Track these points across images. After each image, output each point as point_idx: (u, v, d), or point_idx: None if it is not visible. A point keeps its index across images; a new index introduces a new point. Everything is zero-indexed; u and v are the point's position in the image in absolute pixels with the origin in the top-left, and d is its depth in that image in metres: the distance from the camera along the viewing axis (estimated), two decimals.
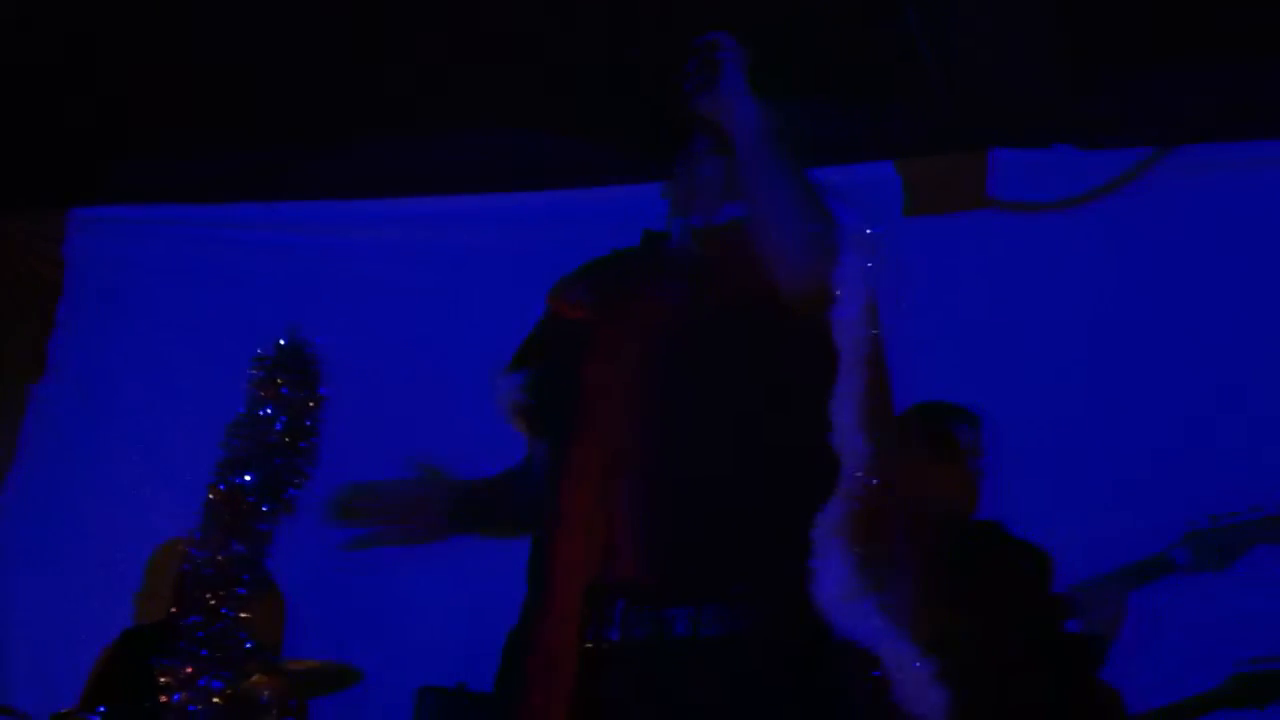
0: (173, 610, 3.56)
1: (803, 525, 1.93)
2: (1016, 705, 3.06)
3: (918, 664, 1.91)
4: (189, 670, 3.48)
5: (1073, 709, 3.18)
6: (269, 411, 3.51)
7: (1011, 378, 3.97)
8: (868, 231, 2.05)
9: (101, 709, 3.68)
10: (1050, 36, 3.59)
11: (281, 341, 3.62)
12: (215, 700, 3.50)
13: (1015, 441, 3.86)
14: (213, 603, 3.50)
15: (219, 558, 3.46)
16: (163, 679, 3.50)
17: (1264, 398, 3.79)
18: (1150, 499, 3.68)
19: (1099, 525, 3.62)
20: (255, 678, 3.59)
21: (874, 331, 1.98)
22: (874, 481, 1.92)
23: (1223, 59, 3.67)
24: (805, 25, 3.59)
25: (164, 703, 3.49)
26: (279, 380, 3.54)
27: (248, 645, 3.59)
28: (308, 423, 3.55)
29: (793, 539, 1.92)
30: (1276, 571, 3.38)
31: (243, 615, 3.56)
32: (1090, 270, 4.04)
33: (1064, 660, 3.16)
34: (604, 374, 2.04)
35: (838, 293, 1.98)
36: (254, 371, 3.55)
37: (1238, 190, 3.93)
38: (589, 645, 1.94)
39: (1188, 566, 3.24)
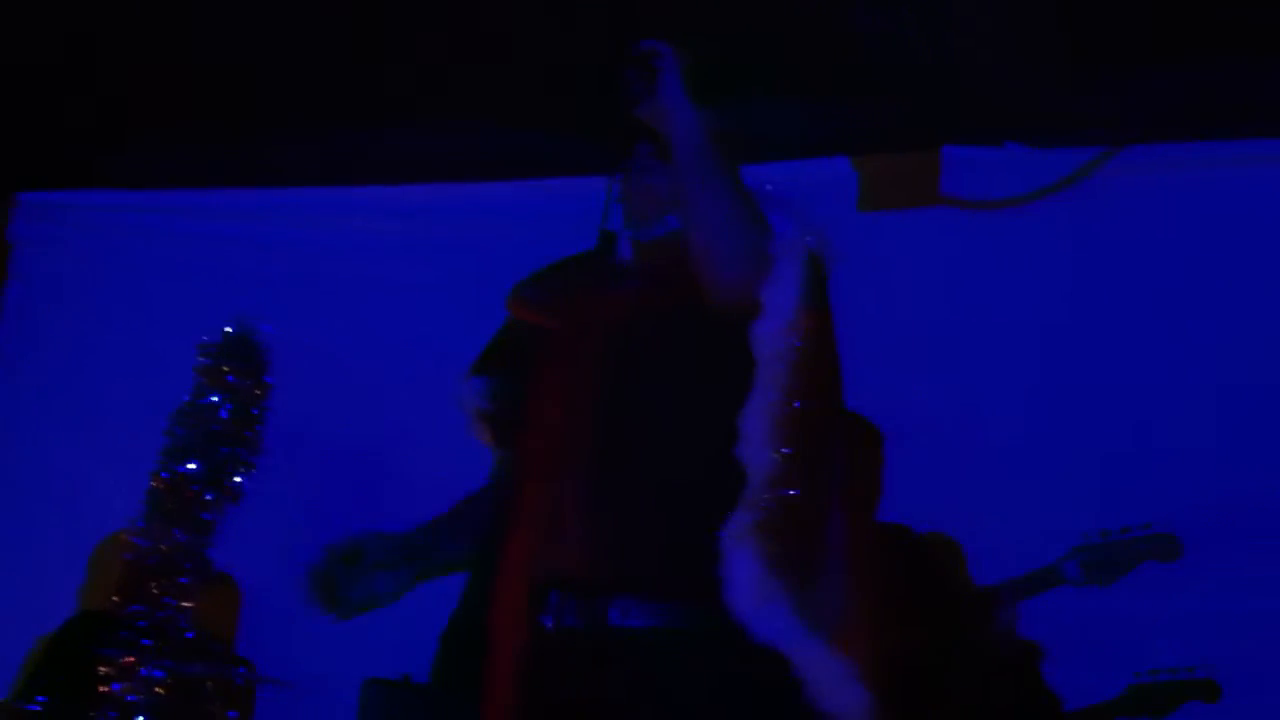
0: (115, 599, 3.53)
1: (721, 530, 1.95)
2: (960, 702, 3.08)
3: (834, 664, 1.93)
4: (130, 660, 3.45)
5: (1015, 707, 3.20)
6: (215, 399, 3.49)
7: (958, 381, 3.99)
8: (806, 240, 2.05)
9: (41, 699, 3.64)
10: (1005, 35, 3.60)
11: (228, 329, 3.60)
12: (157, 690, 3.47)
13: (957, 435, 3.90)
14: (155, 592, 3.47)
15: (162, 547, 3.43)
16: (103, 668, 3.47)
17: (1204, 393, 3.82)
18: (1044, 508, 3.71)
19: (993, 533, 3.64)
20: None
21: (803, 344, 1.98)
22: (786, 493, 1.93)
23: (1174, 61, 3.70)
24: (763, 22, 3.59)
25: (104, 692, 3.45)
26: (225, 368, 3.52)
27: (189, 635, 3.56)
28: (254, 411, 3.53)
29: (715, 539, 1.94)
30: (1173, 583, 3.42)
31: (187, 605, 3.53)
32: (1036, 268, 4.06)
33: (1002, 657, 3.19)
34: (553, 375, 2.07)
35: (764, 304, 1.97)
36: (200, 359, 3.52)
37: (1186, 191, 3.96)
38: (531, 632, 1.96)
39: (1077, 580, 3.29)
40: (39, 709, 3.58)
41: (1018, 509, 3.78)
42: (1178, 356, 3.90)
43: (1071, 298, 4.03)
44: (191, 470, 3.46)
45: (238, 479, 3.53)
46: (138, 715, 3.40)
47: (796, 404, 1.96)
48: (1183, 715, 3.42)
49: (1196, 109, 3.83)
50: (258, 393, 3.55)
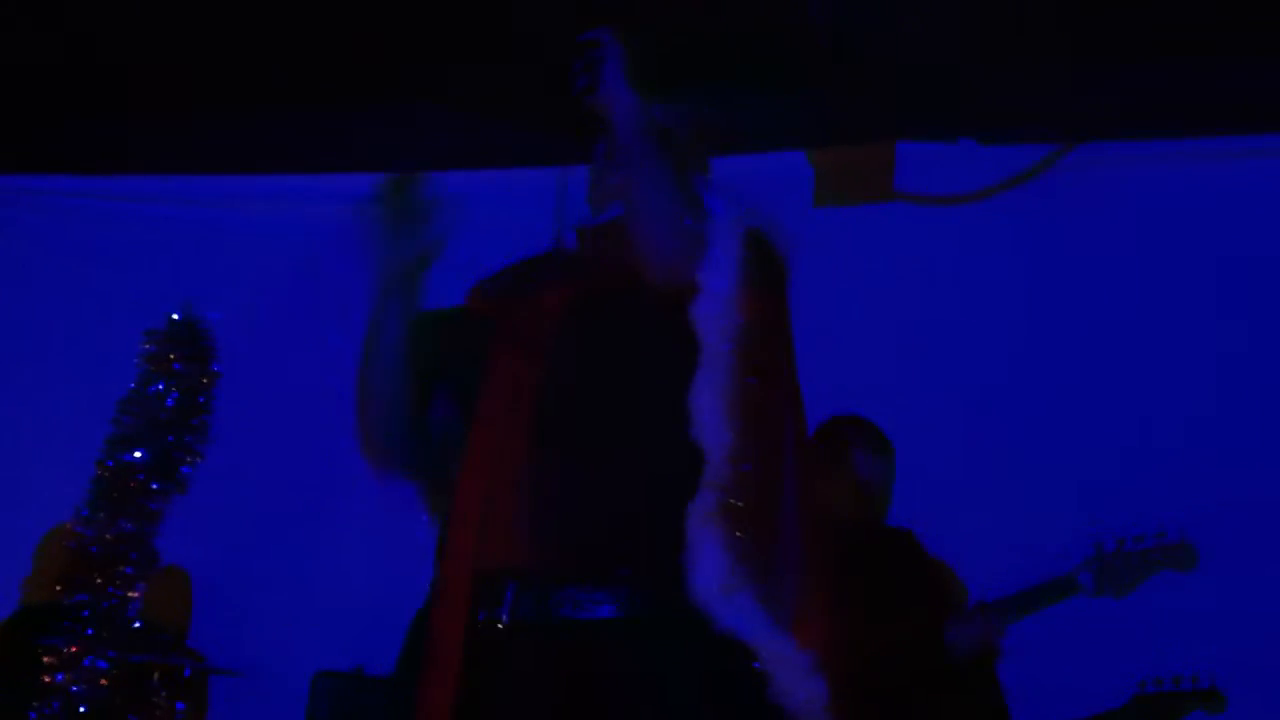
0: (59, 589, 3.49)
1: (679, 515, 1.94)
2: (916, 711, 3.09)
3: (795, 656, 1.93)
4: (74, 650, 3.42)
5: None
6: (160, 388, 3.45)
7: (914, 367, 4.01)
8: (745, 222, 2.05)
9: None
10: (957, 29, 3.62)
11: (174, 316, 3.56)
12: (101, 681, 3.44)
13: (917, 431, 3.91)
14: (100, 582, 3.43)
15: (107, 536, 3.39)
16: (47, 659, 3.43)
17: (1157, 387, 3.85)
18: (1057, 517, 3.69)
19: (1005, 542, 3.64)
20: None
21: (747, 323, 1.98)
22: (744, 469, 1.93)
23: (1126, 59, 3.72)
24: (717, 13, 3.59)
25: (48, 683, 3.41)
26: (171, 356, 3.48)
27: (137, 625, 3.52)
28: (200, 399, 3.49)
29: (672, 528, 1.94)
30: (1177, 595, 3.40)
31: (133, 595, 3.49)
32: (991, 262, 4.08)
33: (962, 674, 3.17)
34: (498, 367, 2.06)
35: (701, 285, 1.99)
36: (146, 347, 3.49)
37: (1139, 187, 3.99)
38: (480, 625, 1.95)
39: (1090, 591, 3.22)
40: None
41: (964, 500, 3.80)
42: (1131, 352, 3.93)
43: (1026, 293, 4.05)
44: (137, 459, 3.42)
45: (184, 468, 3.49)
46: (81, 706, 3.36)
47: (747, 381, 1.96)
48: None
49: (1148, 106, 3.86)
50: (204, 380, 3.51)
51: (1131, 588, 3.21)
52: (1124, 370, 3.92)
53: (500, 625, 1.94)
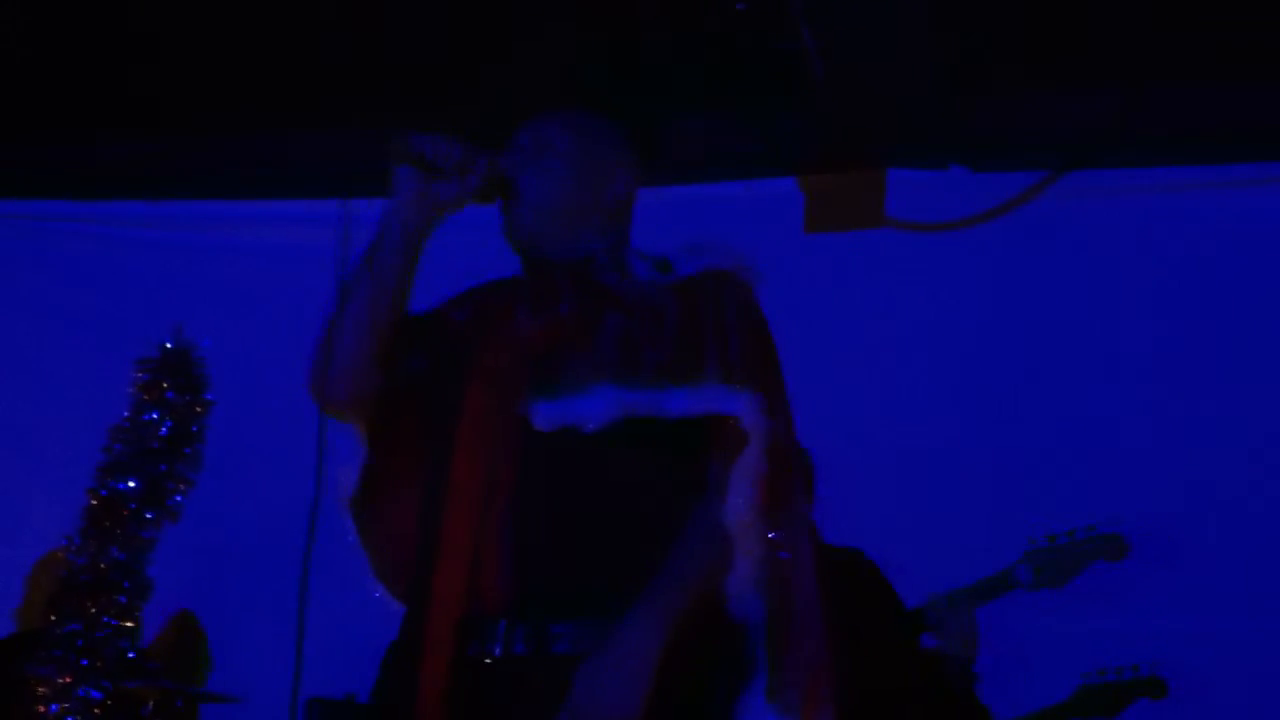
0: (51, 618, 3.48)
1: (667, 551, 1.95)
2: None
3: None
4: (67, 680, 3.41)
5: None
6: (153, 416, 3.45)
7: (904, 393, 4.02)
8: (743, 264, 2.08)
9: None
10: (942, 56, 3.64)
11: (167, 344, 3.56)
12: (95, 711, 3.43)
13: (904, 455, 3.92)
14: (93, 610, 3.42)
15: (99, 565, 3.39)
16: (40, 689, 3.41)
17: (1144, 408, 3.88)
18: (990, 517, 3.76)
19: (923, 543, 3.69)
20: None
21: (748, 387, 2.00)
22: (783, 556, 1.97)
23: (1116, 86, 3.75)
24: (705, 40, 3.61)
25: (41, 713, 3.40)
26: (164, 384, 3.48)
27: (130, 655, 3.52)
28: (193, 428, 3.50)
29: (660, 564, 1.94)
30: (1118, 585, 3.49)
31: (127, 624, 3.49)
32: (981, 289, 4.10)
33: (933, 678, 3.21)
34: (474, 405, 2.04)
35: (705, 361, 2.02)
36: (138, 375, 3.49)
37: (1127, 215, 4.02)
38: (470, 660, 1.94)
39: (1029, 584, 3.38)
40: None
41: (962, 525, 3.82)
42: (1118, 377, 3.95)
43: (1016, 320, 4.07)
44: (130, 487, 3.42)
45: (176, 496, 3.49)
46: None
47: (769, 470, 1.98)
48: (1132, 714, 3.48)
49: (1139, 134, 3.89)
50: (197, 409, 3.52)
51: (1068, 578, 3.35)
52: (1111, 392, 3.94)
53: (489, 661, 1.94)
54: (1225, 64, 3.63)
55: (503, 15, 3.70)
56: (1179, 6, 3.53)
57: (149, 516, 3.45)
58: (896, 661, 3.14)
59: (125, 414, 3.49)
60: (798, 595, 1.99)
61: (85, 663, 3.41)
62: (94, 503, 3.44)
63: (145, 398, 3.47)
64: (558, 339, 2.06)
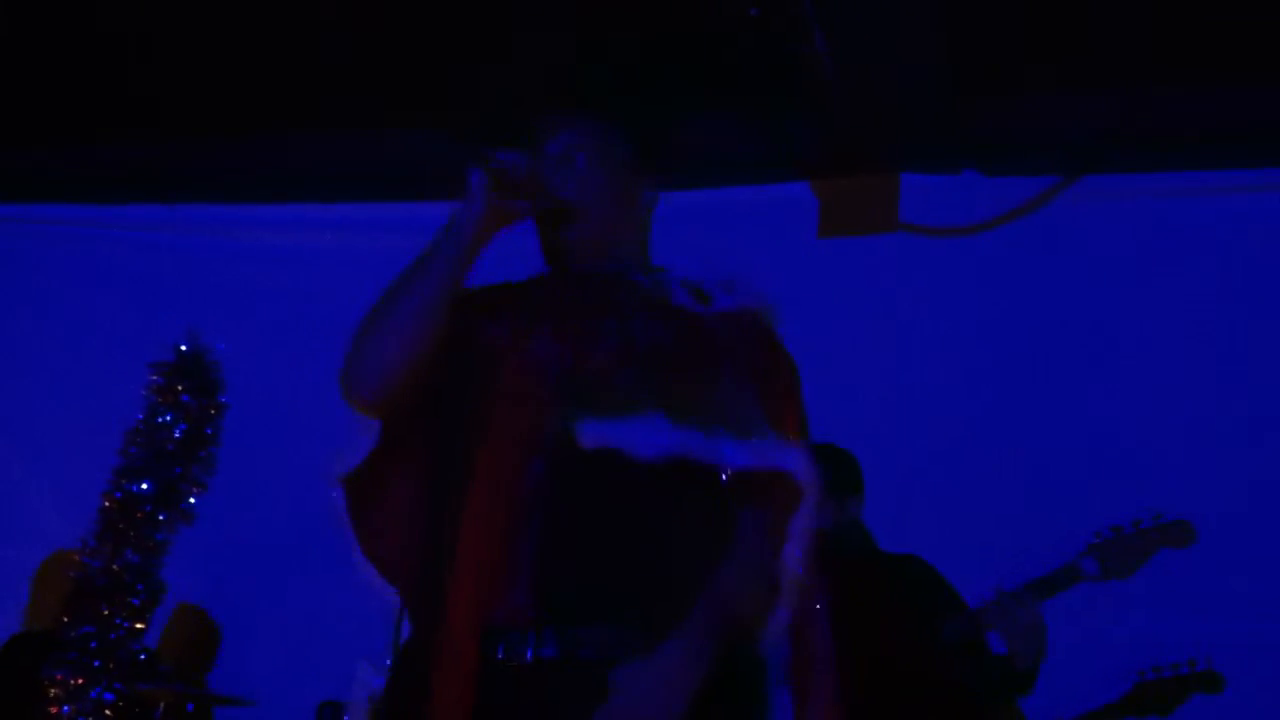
0: (64, 620, 3.49)
1: (696, 557, 1.96)
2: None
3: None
4: (80, 681, 3.41)
5: None
6: (168, 419, 3.46)
7: (920, 397, 4.02)
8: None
9: None
10: (954, 61, 3.64)
11: (182, 347, 3.57)
12: (107, 713, 3.43)
13: (924, 460, 3.92)
14: (106, 613, 3.43)
15: (113, 567, 3.39)
16: (52, 691, 3.42)
17: (1158, 410, 3.87)
18: (1054, 512, 3.75)
19: (1005, 540, 3.67)
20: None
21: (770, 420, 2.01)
22: (817, 607, 2.01)
23: (1129, 91, 3.76)
24: (719, 45, 3.61)
25: (53, 714, 3.41)
26: (179, 387, 3.49)
27: (142, 657, 3.52)
28: (208, 430, 3.50)
29: (689, 570, 1.95)
30: (1172, 584, 3.47)
31: (140, 626, 3.49)
32: (994, 293, 4.10)
33: (991, 683, 3.19)
34: (499, 418, 2.03)
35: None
36: (153, 378, 3.49)
37: (1140, 219, 4.02)
38: (500, 664, 1.94)
39: (1096, 575, 3.31)
40: None
41: (981, 527, 3.82)
42: (1133, 379, 3.94)
43: (1029, 323, 4.07)
44: (144, 490, 3.43)
45: (190, 499, 3.50)
46: None
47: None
48: (1186, 712, 3.46)
49: (1151, 139, 3.89)
50: (211, 412, 3.52)
51: (1135, 568, 3.29)
52: (1128, 396, 3.93)
53: (519, 665, 1.93)
54: (1236, 68, 3.63)
55: (504, 16, 3.70)
56: (1189, 11, 3.53)
57: (163, 519, 3.45)
58: (959, 661, 3.13)
59: (140, 417, 3.49)
60: (821, 642, 2.02)
61: (98, 664, 3.42)
62: (108, 505, 3.44)
63: (160, 401, 3.48)
64: (597, 358, 2.05)
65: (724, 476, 1.99)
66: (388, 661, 2.09)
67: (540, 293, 2.18)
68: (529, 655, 1.93)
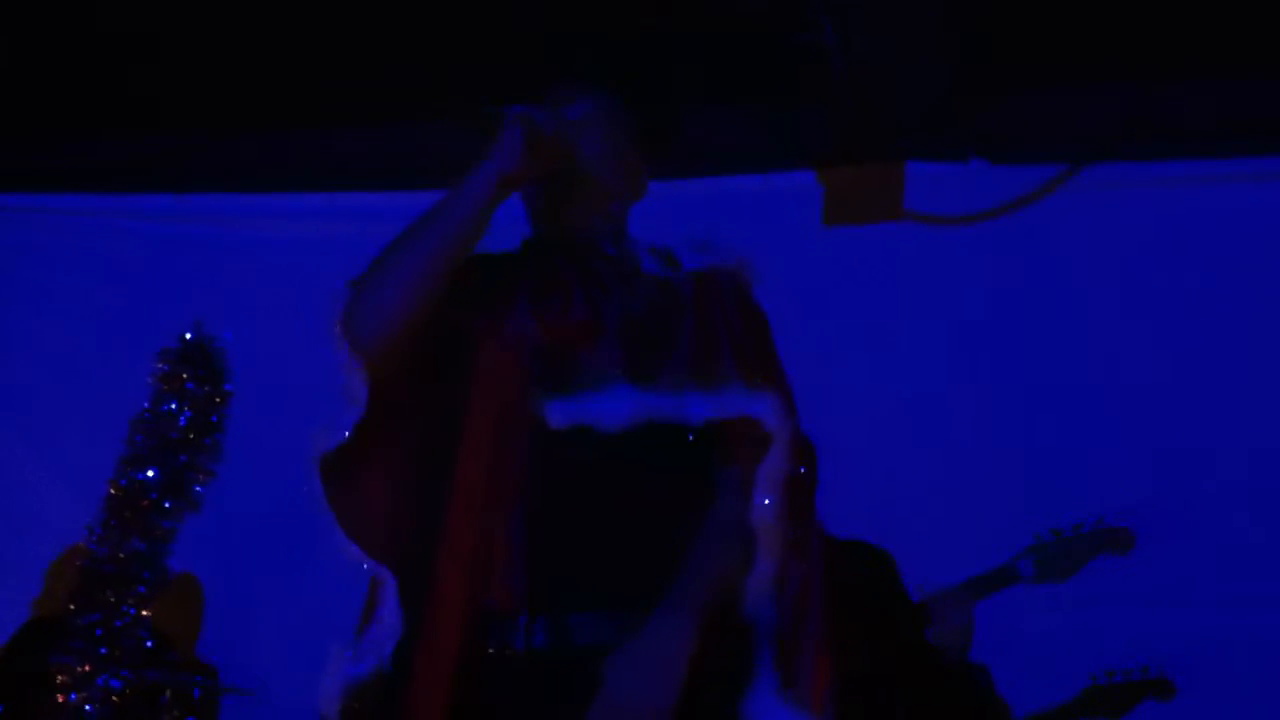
0: (71, 608, 3.50)
1: (686, 540, 1.95)
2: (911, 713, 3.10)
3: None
4: (87, 669, 3.42)
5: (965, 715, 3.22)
6: (173, 407, 3.46)
7: (925, 386, 4.02)
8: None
9: None
10: (961, 49, 3.64)
11: (187, 335, 3.58)
12: (114, 699, 3.44)
13: (927, 449, 3.92)
14: (113, 600, 3.44)
15: (119, 555, 3.41)
16: (60, 678, 3.43)
17: (1165, 398, 3.87)
18: (1061, 501, 3.74)
19: (944, 537, 3.68)
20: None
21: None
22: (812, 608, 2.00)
23: (1135, 80, 3.75)
24: (725, 33, 3.61)
25: (60, 702, 3.42)
26: (184, 375, 3.50)
27: (149, 643, 3.53)
28: (213, 419, 3.51)
29: (679, 554, 1.94)
30: (1123, 585, 3.47)
31: (145, 612, 3.50)
32: (1000, 282, 4.10)
33: (940, 672, 3.20)
34: (488, 398, 2.01)
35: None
36: (158, 366, 3.50)
37: (1146, 208, 4.01)
38: (491, 656, 1.93)
39: (1032, 578, 3.34)
40: None
41: (980, 515, 3.81)
42: (1134, 370, 3.94)
43: (1035, 313, 4.06)
44: (150, 478, 3.43)
45: (196, 487, 3.50)
46: None
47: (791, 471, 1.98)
48: (1138, 715, 3.47)
49: (1158, 128, 3.88)
50: (217, 400, 3.53)
51: (1072, 571, 3.31)
52: (1134, 385, 3.93)
53: (510, 655, 1.92)
54: (1249, 57, 3.62)
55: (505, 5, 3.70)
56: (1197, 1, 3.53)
57: (169, 507, 3.46)
58: (900, 654, 3.14)
59: (145, 405, 3.50)
60: (810, 596, 2.00)
61: (105, 652, 3.43)
62: (114, 493, 3.45)
63: (165, 389, 3.48)
64: (567, 333, 2.04)
65: (690, 436, 1.97)
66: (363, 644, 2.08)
67: (513, 266, 2.15)
68: (519, 644, 1.93)
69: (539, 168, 2.04)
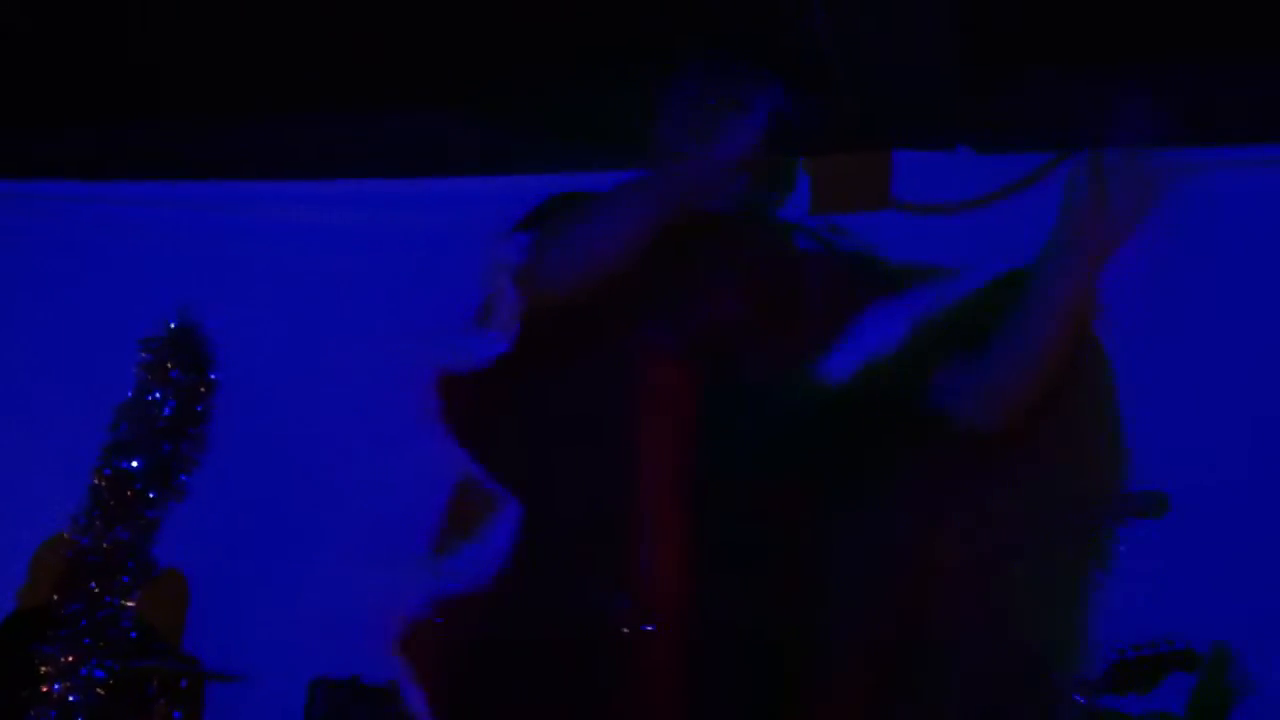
0: (55, 598, 3.48)
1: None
2: None
3: None
4: (70, 659, 3.41)
5: None
6: (158, 395, 3.45)
7: None
8: None
9: None
10: (951, 37, 3.63)
11: (172, 324, 3.56)
12: (98, 690, 3.43)
13: None
14: (96, 590, 3.43)
15: (104, 545, 3.39)
16: (44, 668, 3.42)
17: (1155, 386, 3.87)
18: None
19: None
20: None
21: None
22: None
23: (1123, 66, 3.74)
24: (715, 20, 3.60)
25: (44, 692, 3.41)
26: (169, 363, 3.48)
27: (133, 634, 3.52)
28: (198, 407, 3.49)
29: None
30: (1149, 564, 3.47)
31: (129, 603, 3.49)
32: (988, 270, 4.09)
33: None
34: (659, 434, 1.97)
35: None
36: (143, 354, 3.48)
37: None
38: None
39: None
40: None
41: None
42: (1123, 357, 3.93)
43: None
44: (134, 467, 3.42)
45: (182, 476, 3.49)
46: (78, 716, 3.36)
47: None
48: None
49: (1145, 115, 3.87)
50: (202, 389, 3.51)
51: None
52: (1121, 373, 3.93)
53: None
54: (1238, 43, 3.62)
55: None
56: None
57: (154, 496, 3.45)
58: None
59: (130, 393, 3.48)
60: None
61: (89, 642, 3.42)
62: (99, 482, 3.44)
63: (150, 377, 3.47)
64: (727, 313, 2.05)
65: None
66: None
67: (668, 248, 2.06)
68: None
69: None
